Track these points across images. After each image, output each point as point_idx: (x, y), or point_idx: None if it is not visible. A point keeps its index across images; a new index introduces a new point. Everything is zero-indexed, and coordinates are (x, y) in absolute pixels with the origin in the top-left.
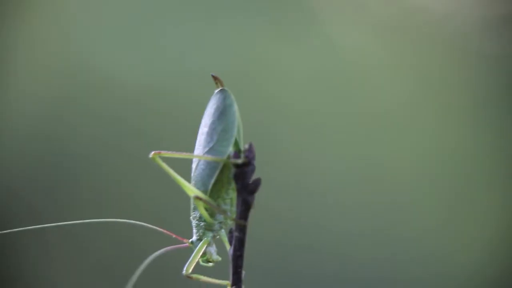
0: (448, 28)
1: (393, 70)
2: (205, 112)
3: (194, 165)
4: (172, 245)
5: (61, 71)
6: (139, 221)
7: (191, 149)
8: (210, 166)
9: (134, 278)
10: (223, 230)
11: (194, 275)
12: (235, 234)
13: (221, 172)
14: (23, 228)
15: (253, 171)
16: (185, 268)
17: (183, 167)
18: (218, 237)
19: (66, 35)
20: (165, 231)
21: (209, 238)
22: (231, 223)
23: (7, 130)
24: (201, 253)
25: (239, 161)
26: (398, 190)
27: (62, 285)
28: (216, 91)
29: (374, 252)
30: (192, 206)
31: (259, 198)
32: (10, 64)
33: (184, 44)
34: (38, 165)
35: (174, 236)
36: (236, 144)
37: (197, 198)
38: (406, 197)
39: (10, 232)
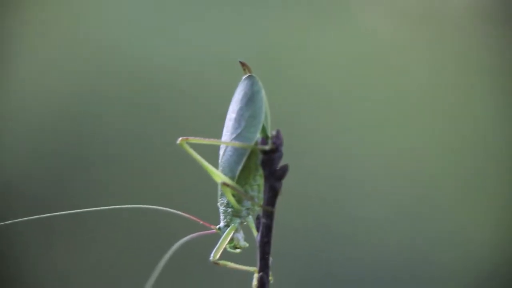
0: (480, 12)
1: (423, 54)
2: (233, 98)
3: (221, 151)
4: (199, 231)
5: (87, 54)
6: (166, 207)
7: (219, 135)
8: (238, 153)
9: (161, 264)
10: (250, 216)
11: (221, 262)
12: (263, 220)
13: (249, 158)
14: (59, 213)
15: (280, 157)
16: (212, 255)
17: (211, 153)
18: (245, 223)
19: (92, 19)
20: (192, 217)
21: (236, 225)
22: (258, 209)
23: (36, 113)
24: (228, 240)
25: (267, 147)
26: (432, 176)
27: (92, 272)
28: (244, 77)
29: (403, 239)
30: (219, 192)
31: (287, 184)
32: (40, 46)
33: (211, 29)
34: (64, 150)
35: (201, 222)
36: (264, 130)
37: (225, 184)
38: (440, 183)
39: (41, 217)
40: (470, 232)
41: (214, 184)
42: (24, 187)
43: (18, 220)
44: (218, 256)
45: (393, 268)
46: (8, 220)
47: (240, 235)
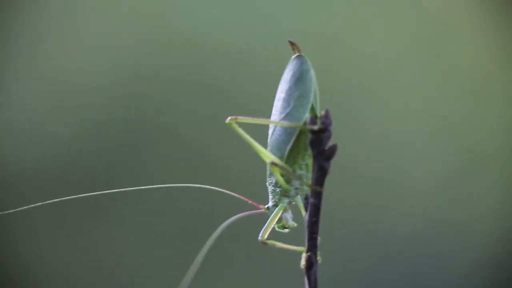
0: None
1: (479, 32)
2: (282, 78)
3: (270, 131)
4: (247, 211)
5: (137, 35)
6: (215, 186)
7: (268, 115)
8: (287, 132)
9: (209, 243)
10: (299, 196)
11: (270, 241)
12: (311, 200)
13: (297, 138)
14: (113, 190)
15: (329, 137)
16: (260, 234)
17: (260, 133)
18: (293, 203)
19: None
20: (240, 196)
21: (284, 204)
22: (307, 189)
23: (85, 87)
24: (276, 219)
25: (316, 127)
26: (481, 151)
27: (144, 248)
28: (293, 56)
29: (452, 213)
30: (268, 172)
31: (335, 164)
32: (92, 22)
33: (261, 8)
34: (114, 131)
35: (249, 202)
36: (313, 110)
37: (273, 164)
38: (488, 159)
39: (98, 194)
40: None
41: (263, 163)
42: (80, 164)
43: (77, 196)
44: (266, 236)
45: (441, 242)
46: (65, 197)
47: (289, 215)
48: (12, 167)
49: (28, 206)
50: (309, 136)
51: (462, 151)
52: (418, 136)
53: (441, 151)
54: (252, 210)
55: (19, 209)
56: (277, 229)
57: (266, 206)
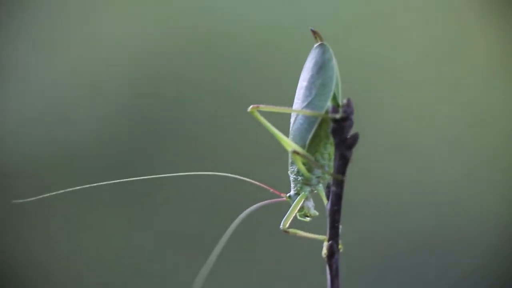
0: None
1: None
2: (304, 66)
3: (292, 119)
4: (269, 199)
5: (157, 20)
6: (237, 175)
7: (290, 104)
8: (309, 121)
9: (230, 230)
10: (320, 185)
11: (291, 230)
12: (333, 188)
13: (319, 126)
14: (135, 178)
15: (351, 126)
16: (282, 223)
17: (282, 122)
18: (315, 191)
19: None
20: (262, 185)
21: (306, 193)
22: (328, 178)
23: (112, 74)
24: (298, 208)
25: (337, 115)
26: (498, 146)
27: (166, 235)
28: (315, 45)
29: (477, 207)
30: (290, 161)
31: (357, 152)
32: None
33: None
34: (139, 115)
35: (271, 190)
36: (335, 98)
37: (295, 152)
38: (504, 155)
39: (119, 182)
40: None
41: (285, 152)
42: (99, 153)
43: (101, 183)
44: (288, 225)
45: (464, 233)
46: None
47: (310, 204)
48: (37, 155)
49: (49, 194)
50: (331, 124)
51: (480, 145)
52: (441, 123)
53: (467, 144)
54: (274, 198)
55: (43, 196)
56: (299, 217)
57: (288, 194)
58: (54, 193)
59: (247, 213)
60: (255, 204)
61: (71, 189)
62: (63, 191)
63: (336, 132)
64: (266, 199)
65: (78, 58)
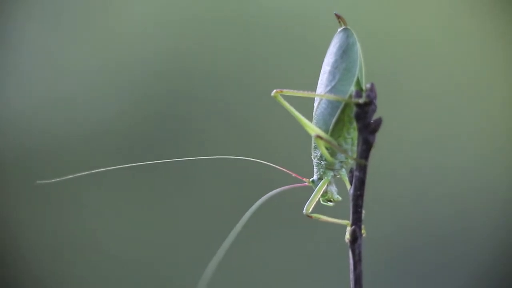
0: None
1: None
2: (328, 51)
3: (315, 104)
4: (292, 184)
5: (181, 9)
6: (260, 159)
7: (314, 88)
8: (332, 105)
9: (250, 212)
10: (343, 170)
11: (314, 214)
12: (356, 173)
13: (343, 111)
14: (160, 161)
15: (374, 110)
16: (305, 207)
17: (305, 106)
18: (338, 176)
19: None
20: (285, 169)
21: (329, 178)
22: (352, 163)
23: (137, 60)
24: (321, 192)
25: (361, 100)
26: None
27: (191, 219)
28: (339, 30)
29: (497, 197)
30: (313, 145)
31: (380, 137)
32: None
33: None
34: (164, 101)
35: (294, 175)
36: (358, 83)
37: (318, 137)
38: None
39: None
40: None
41: (308, 136)
42: (126, 137)
43: (129, 165)
44: (311, 209)
45: (488, 215)
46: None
47: (334, 188)
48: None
49: (73, 176)
50: (354, 109)
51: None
52: (463, 109)
53: (488, 132)
54: (297, 183)
55: (67, 177)
56: (322, 202)
57: (311, 179)
58: (78, 174)
59: (266, 198)
60: (277, 188)
61: (95, 170)
62: (86, 172)
63: (359, 116)
64: (289, 184)
65: (97, 54)
